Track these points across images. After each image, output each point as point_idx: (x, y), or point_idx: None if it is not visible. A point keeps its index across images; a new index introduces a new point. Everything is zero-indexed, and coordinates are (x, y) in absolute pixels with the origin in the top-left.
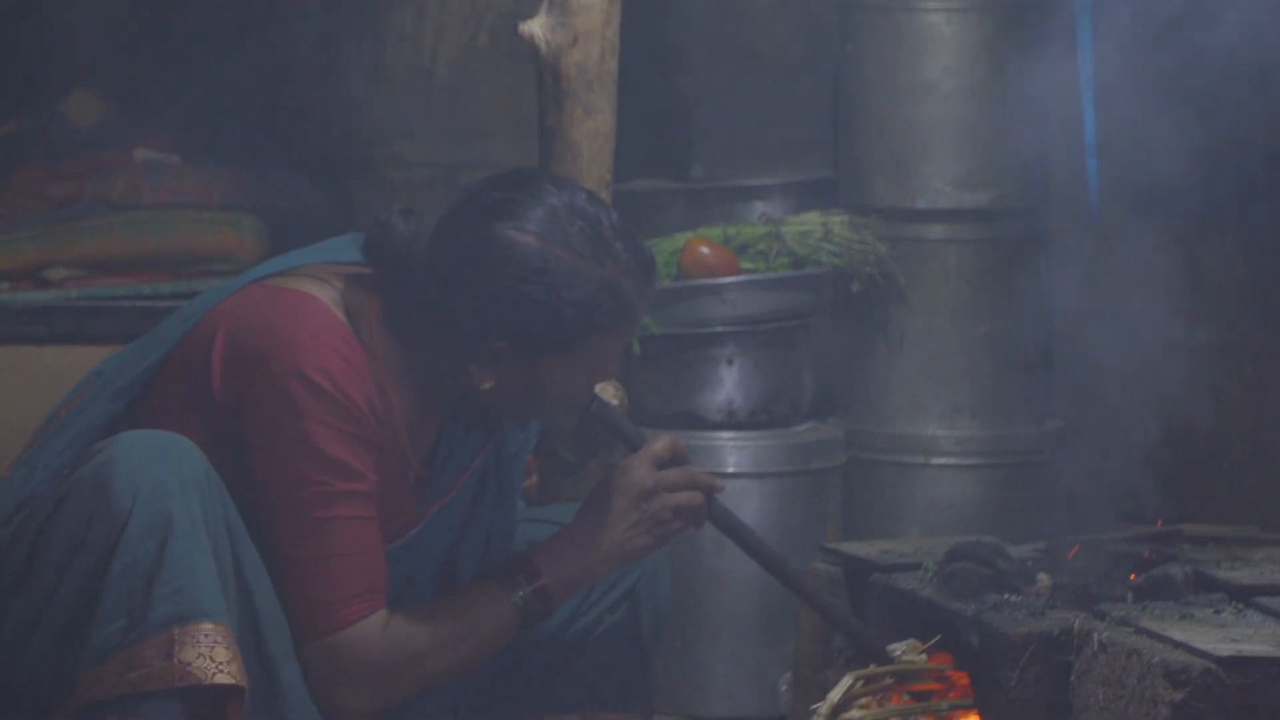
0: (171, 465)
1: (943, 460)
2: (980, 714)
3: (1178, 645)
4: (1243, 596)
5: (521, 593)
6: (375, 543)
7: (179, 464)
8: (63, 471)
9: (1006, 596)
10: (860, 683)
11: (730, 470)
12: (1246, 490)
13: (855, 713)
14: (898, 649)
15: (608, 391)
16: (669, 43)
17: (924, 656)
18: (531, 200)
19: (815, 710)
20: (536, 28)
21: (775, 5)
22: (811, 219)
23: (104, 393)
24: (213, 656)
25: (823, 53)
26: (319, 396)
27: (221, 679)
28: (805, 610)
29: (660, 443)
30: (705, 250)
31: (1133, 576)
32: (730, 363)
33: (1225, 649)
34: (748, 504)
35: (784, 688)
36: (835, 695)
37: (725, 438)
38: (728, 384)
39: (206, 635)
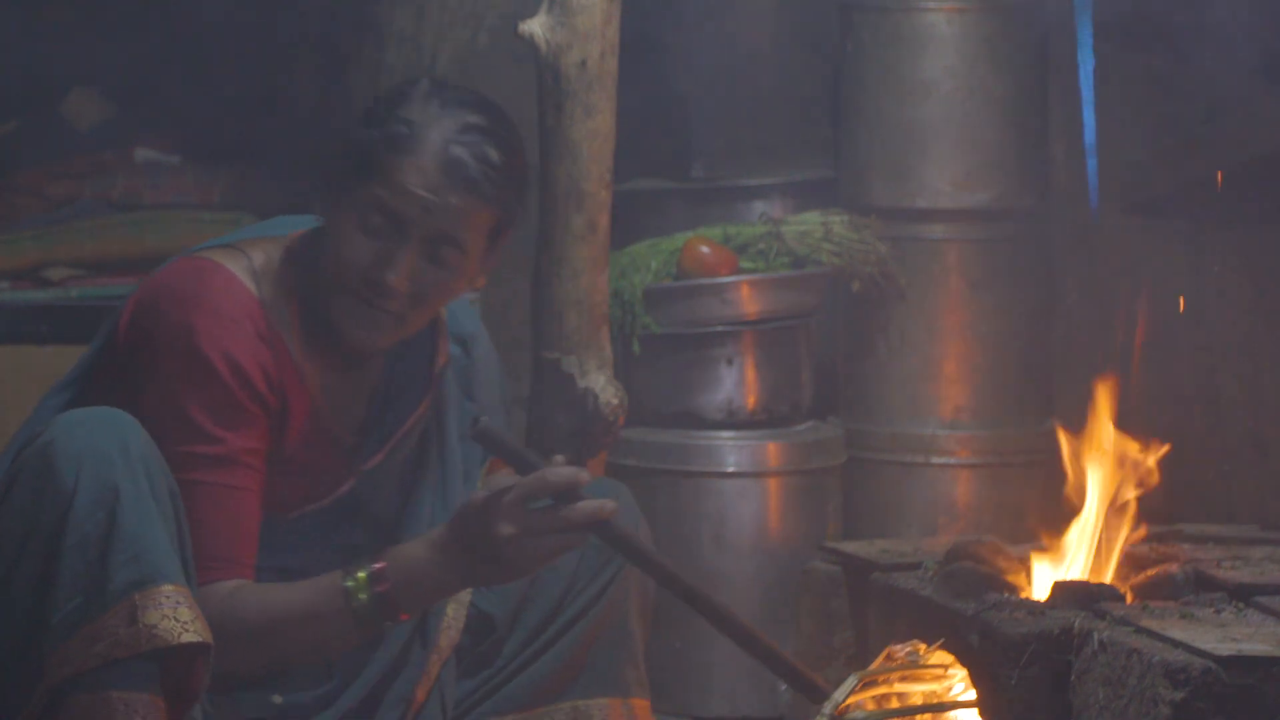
0: (113, 438)
1: (943, 460)
2: (980, 714)
3: (1178, 645)
4: (1243, 596)
5: (364, 596)
6: (239, 511)
7: (120, 436)
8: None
9: (1006, 596)
10: (862, 683)
11: (730, 470)
12: (1246, 490)
13: (856, 713)
14: (898, 650)
15: (608, 391)
16: (669, 43)
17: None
18: (407, 86)
19: (820, 709)
20: (536, 28)
21: (775, 5)
22: (811, 219)
23: (54, 387)
24: (177, 617)
25: (823, 53)
26: (196, 361)
27: (188, 638)
28: (805, 610)
29: (555, 475)
30: (705, 250)
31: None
32: (730, 363)
33: (1225, 648)
34: (748, 504)
35: (784, 688)
36: (840, 694)
37: (725, 438)
38: (728, 384)
39: (168, 597)
